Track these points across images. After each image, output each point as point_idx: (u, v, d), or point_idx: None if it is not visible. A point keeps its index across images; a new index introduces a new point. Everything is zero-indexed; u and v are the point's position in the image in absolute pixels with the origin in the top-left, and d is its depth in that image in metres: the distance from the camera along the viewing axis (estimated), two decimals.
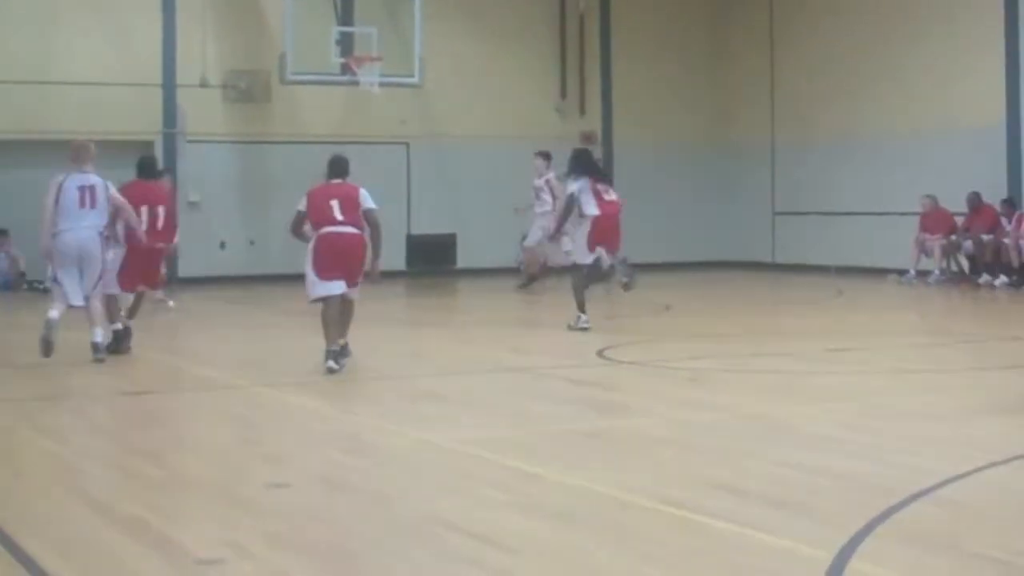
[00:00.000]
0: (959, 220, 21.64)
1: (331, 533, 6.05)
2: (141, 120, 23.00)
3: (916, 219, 22.07)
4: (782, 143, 26.02)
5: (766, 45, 26.33)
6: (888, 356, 12.61)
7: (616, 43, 26.74)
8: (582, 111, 26.47)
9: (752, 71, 26.63)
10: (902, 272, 21.86)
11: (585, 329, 14.73)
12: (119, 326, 13.26)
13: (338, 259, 11.54)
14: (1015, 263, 20.47)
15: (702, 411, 9.40)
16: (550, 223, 18.57)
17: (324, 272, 11.53)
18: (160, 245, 13.70)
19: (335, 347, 11.52)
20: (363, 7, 24.11)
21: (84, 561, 5.61)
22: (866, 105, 23.98)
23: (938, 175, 22.05)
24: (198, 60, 23.19)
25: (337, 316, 11.55)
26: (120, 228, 13.18)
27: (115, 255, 13.19)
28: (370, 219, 11.79)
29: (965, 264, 21.86)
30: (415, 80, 23.44)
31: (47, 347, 12.35)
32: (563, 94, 26.37)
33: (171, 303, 18.18)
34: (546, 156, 20.89)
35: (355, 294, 11.86)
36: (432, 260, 24.96)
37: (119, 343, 13.17)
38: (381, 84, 22.99)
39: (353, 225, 11.61)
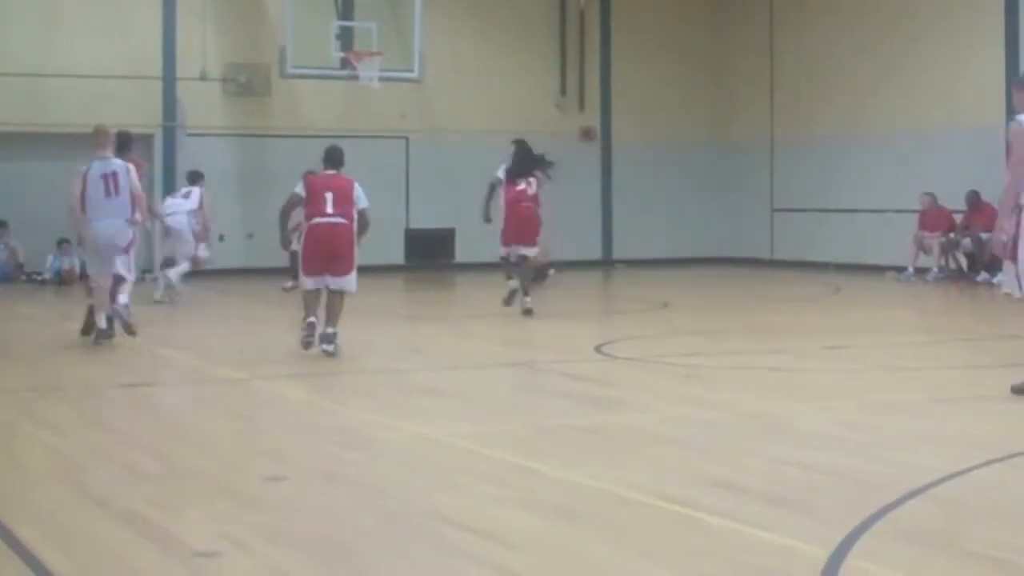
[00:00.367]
0: (958, 218, 21.65)
1: (328, 527, 6.05)
2: (141, 113, 22.98)
3: (915, 217, 22.08)
4: (781, 140, 26.02)
5: (766, 43, 26.32)
6: (886, 353, 12.62)
7: (616, 40, 26.74)
8: (581, 107, 26.47)
9: (752, 68, 26.63)
10: (900, 269, 21.87)
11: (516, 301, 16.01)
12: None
13: (323, 251, 12.22)
14: None
15: (700, 408, 9.40)
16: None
17: (308, 267, 12.33)
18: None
19: (328, 331, 12.10)
20: (363, 2, 24.11)
21: (81, 553, 5.61)
22: (865, 103, 23.98)
23: (937, 173, 22.05)
24: (198, 53, 23.20)
25: (315, 301, 12.26)
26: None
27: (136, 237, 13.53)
28: (362, 219, 12.42)
29: (963, 262, 21.88)
30: (415, 75, 23.46)
31: (128, 329, 13.08)
32: (563, 90, 26.37)
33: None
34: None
35: (346, 285, 12.33)
36: (430, 254, 24.96)
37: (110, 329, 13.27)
38: (381, 79, 23.00)
39: (342, 216, 12.23)
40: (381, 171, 23.30)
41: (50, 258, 22.15)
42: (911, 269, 21.74)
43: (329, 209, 12.21)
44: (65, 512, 6.33)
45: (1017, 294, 9.31)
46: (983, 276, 20.72)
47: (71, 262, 22.19)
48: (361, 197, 12.44)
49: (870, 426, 8.69)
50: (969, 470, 7.04)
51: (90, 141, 13.42)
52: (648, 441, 8.21)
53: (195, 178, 19.48)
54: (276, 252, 15.30)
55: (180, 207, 18.86)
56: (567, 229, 25.76)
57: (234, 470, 7.35)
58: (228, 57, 23.67)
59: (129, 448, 8.09)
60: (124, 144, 14.21)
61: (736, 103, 27.21)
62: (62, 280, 21.81)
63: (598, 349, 12.64)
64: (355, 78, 23.00)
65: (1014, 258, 9.26)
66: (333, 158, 12.66)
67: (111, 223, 13.00)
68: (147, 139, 23.14)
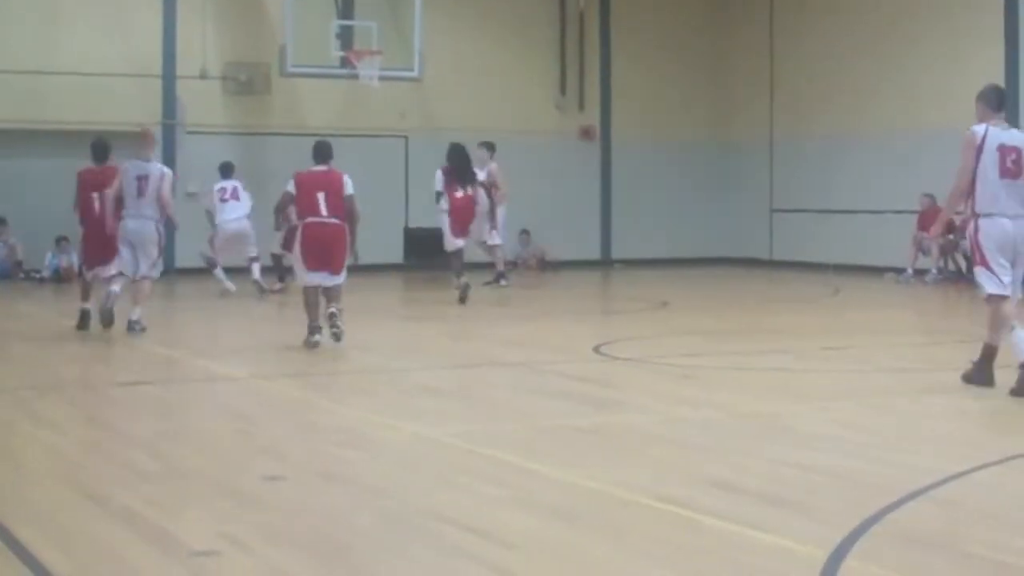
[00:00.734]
0: (957, 219, 21.63)
1: (327, 526, 6.05)
2: (141, 111, 22.96)
3: (914, 218, 22.07)
4: (781, 140, 26.03)
5: (765, 43, 26.33)
6: (885, 355, 12.62)
7: (616, 39, 26.75)
8: (581, 107, 26.47)
9: (751, 68, 26.64)
10: (899, 271, 21.87)
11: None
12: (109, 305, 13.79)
13: (322, 250, 12.67)
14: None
15: (699, 408, 9.41)
16: (498, 216, 19.92)
17: (310, 264, 12.73)
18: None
19: (331, 309, 12.57)
20: (363, 1, 24.11)
21: (80, 552, 5.61)
22: (865, 103, 23.99)
23: (936, 174, 21.98)
24: (198, 52, 23.20)
25: (317, 300, 12.72)
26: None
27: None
28: (348, 206, 12.82)
29: (963, 263, 21.86)
30: (414, 74, 23.46)
31: (105, 317, 13.50)
32: (562, 90, 26.38)
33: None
34: (490, 147, 20.81)
35: (340, 279, 12.83)
36: (430, 254, 24.87)
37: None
38: (381, 78, 23.00)
39: (336, 216, 12.71)
40: (381, 170, 23.32)
41: (48, 256, 22.15)
42: (910, 270, 21.74)
43: (323, 210, 12.66)
44: (64, 511, 6.33)
45: (988, 291, 9.79)
46: None
47: (69, 260, 22.16)
48: (348, 185, 12.83)
49: (869, 427, 8.69)
50: (968, 472, 7.04)
51: (135, 142, 14.65)
52: (647, 441, 8.22)
53: (230, 170, 19.65)
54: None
55: (241, 210, 19.25)
56: (566, 229, 25.83)
57: (233, 469, 7.35)
58: (228, 56, 23.67)
59: (128, 447, 8.09)
60: (101, 153, 14.62)
61: (736, 103, 27.21)
62: (61, 278, 21.80)
63: (597, 349, 12.64)
64: (355, 77, 23.00)
65: (984, 264, 9.79)
66: (322, 153, 13.04)
67: (138, 222, 13.81)
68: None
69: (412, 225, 24.82)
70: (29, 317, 17.28)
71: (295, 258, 13.05)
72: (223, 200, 19.43)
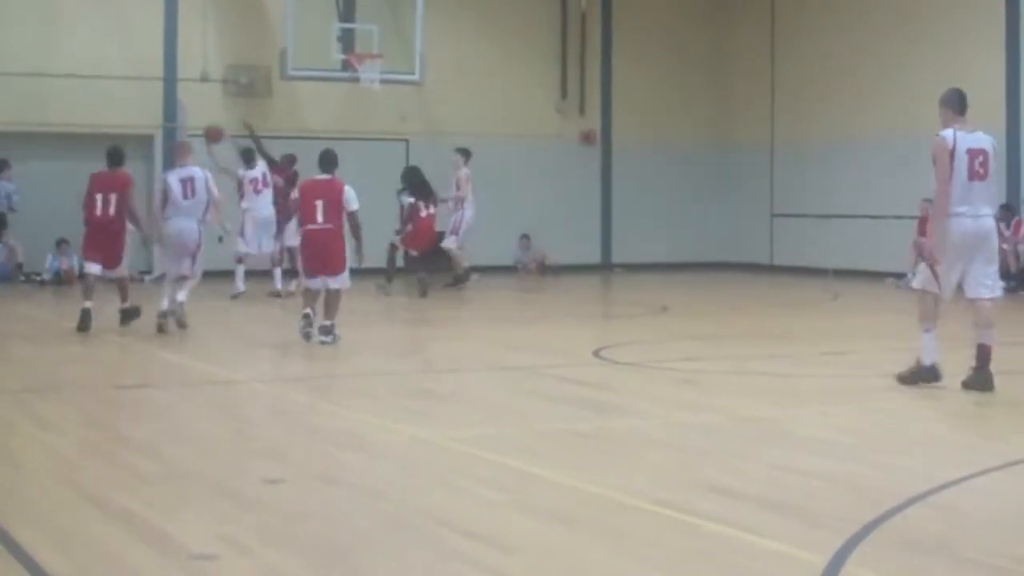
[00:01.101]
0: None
1: (326, 529, 6.05)
2: (142, 113, 23.01)
3: (914, 223, 22.03)
4: (781, 145, 26.02)
5: (766, 47, 26.33)
6: (884, 360, 12.61)
7: (617, 43, 26.76)
8: (582, 110, 26.48)
9: (752, 73, 26.65)
10: (900, 275, 21.85)
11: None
12: (127, 305, 14.79)
13: (319, 256, 13.34)
14: (1012, 268, 20.48)
15: (698, 413, 9.40)
16: (457, 221, 20.73)
17: (308, 269, 13.48)
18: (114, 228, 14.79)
19: (325, 323, 13.07)
20: (364, 4, 24.13)
21: (79, 554, 5.61)
22: (865, 108, 23.99)
23: None
24: (199, 54, 23.19)
25: (314, 297, 13.33)
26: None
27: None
28: (352, 221, 13.47)
29: None
30: (415, 77, 23.48)
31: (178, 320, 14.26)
32: (563, 93, 26.38)
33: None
34: (464, 153, 20.86)
35: (340, 283, 13.37)
36: (430, 257, 24.91)
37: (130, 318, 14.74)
38: (382, 81, 23.00)
39: (331, 222, 13.33)
40: (381, 174, 23.27)
41: (49, 258, 22.14)
42: (910, 275, 21.70)
43: (320, 218, 13.31)
44: (63, 513, 6.33)
45: (919, 286, 10.39)
46: None
47: (70, 262, 22.18)
48: (352, 200, 13.42)
49: (868, 432, 8.69)
50: (968, 477, 7.04)
51: (174, 151, 15.87)
52: (646, 446, 8.21)
53: (252, 158, 19.64)
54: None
55: (266, 199, 19.37)
56: (566, 233, 25.83)
57: (232, 472, 7.34)
58: (229, 58, 23.68)
59: (128, 449, 8.09)
60: (115, 158, 15.09)
61: (736, 108, 27.22)
62: (61, 280, 21.80)
63: (597, 353, 12.63)
64: (356, 80, 23.01)
65: (933, 262, 10.22)
66: (327, 162, 13.63)
67: (184, 222, 14.49)
68: (148, 140, 23.17)
69: None
70: (29, 319, 17.27)
71: (298, 262, 13.83)
72: (256, 191, 19.39)
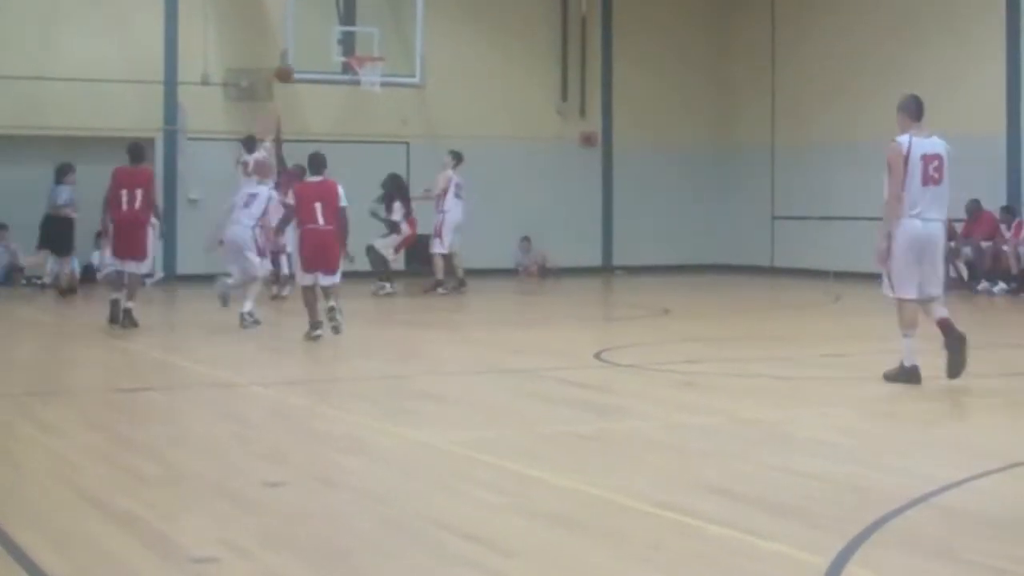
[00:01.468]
0: (958, 227, 21.64)
1: (327, 532, 6.04)
2: (142, 117, 23.01)
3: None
4: (782, 147, 26.02)
5: (767, 49, 26.33)
6: (885, 361, 12.59)
7: (617, 46, 26.75)
8: (582, 113, 26.48)
9: (753, 75, 26.64)
10: None
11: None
12: (131, 305, 14.97)
13: (316, 254, 13.86)
14: (1014, 270, 20.49)
15: (700, 415, 9.39)
16: (438, 224, 20.66)
17: (306, 267, 13.95)
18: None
19: (330, 303, 13.67)
20: (365, 7, 24.13)
21: (79, 556, 5.60)
22: (866, 110, 23.95)
23: None
24: (199, 57, 23.19)
25: (315, 300, 13.85)
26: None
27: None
28: (341, 215, 13.97)
29: (964, 271, 21.86)
30: (416, 80, 23.47)
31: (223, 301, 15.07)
32: (564, 96, 26.38)
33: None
34: (455, 156, 20.84)
35: (333, 280, 13.86)
36: (431, 260, 24.92)
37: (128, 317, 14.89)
38: (382, 84, 23.00)
39: (330, 223, 13.88)
40: (382, 176, 23.26)
41: (50, 262, 22.12)
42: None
43: (320, 219, 13.85)
44: (64, 515, 6.33)
45: (890, 295, 10.60)
46: (983, 285, 20.73)
47: (70, 265, 22.17)
48: (341, 196, 14.00)
49: (870, 434, 8.69)
50: (969, 479, 7.03)
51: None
52: (647, 448, 8.21)
53: (252, 143, 19.69)
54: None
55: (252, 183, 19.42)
56: (567, 235, 25.82)
57: (233, 475, 7.34)
58: (229, 61, 23.68)
59: (128, 452, 8.08)
60: (137, 155, 15.46)
61: (737, 110, 27.21)
62: (61, 283, 21.77)
63: (598, 356, 12.63)
64: (357, 83, 23.01)
65: (880, 262, 10.52)
66: (317, 164, 14.22)
67: (239, 228, 15.41)
68: (148, 143, 23.14)
69: None
70: (30, 323, 17.27)
71: (295, 262, 14.31)
72: (247, 174, 19.40)
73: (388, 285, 20.01)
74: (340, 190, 14.02)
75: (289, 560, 5.53)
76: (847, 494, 6.72)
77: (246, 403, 10.36)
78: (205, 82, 23.28)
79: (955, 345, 10.36)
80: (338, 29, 23.33)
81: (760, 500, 6.54)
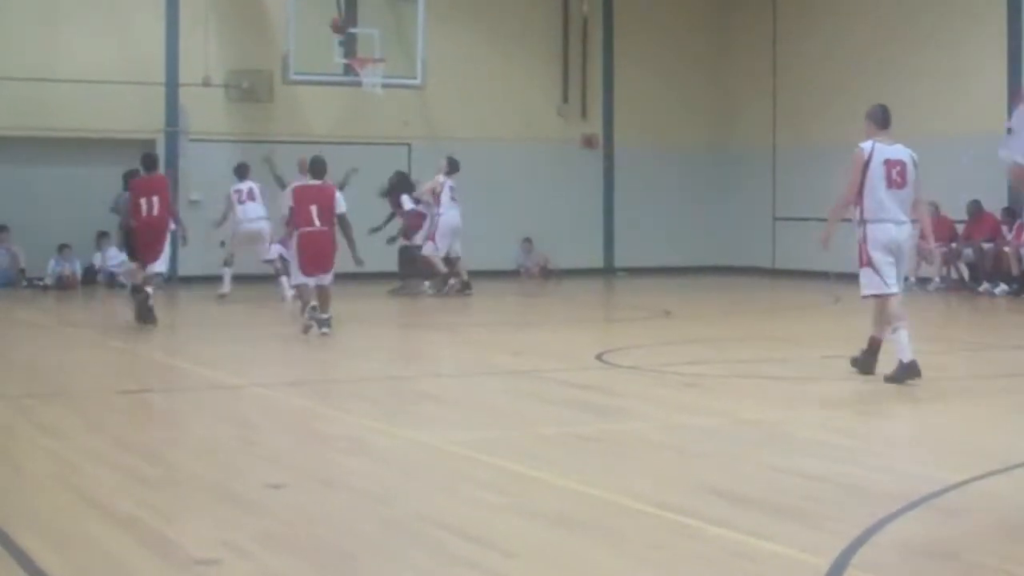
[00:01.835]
0: (960, 228, 21.65)
1: (328, 534, 6.04)
2: (143, 118, 23.02)
3: (917, 227, 22.02)
4: (783, 148, 26.01)
5: (768, 51, 26.33)
6: (886, 363, 12.60)
7: (618, 47, 26.76)
8: (584, 114, 26.48)
9: (754, 77, 26.64)
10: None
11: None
12: (151, 303, 15.32)
13: (315, 256, 14.29)
14: (1015, 271, 20.48)
15: (700, 416, 9.39)
16: (432, 228, 20.61)
17: (304, 269, 14.37)
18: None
19: (323, 316, 14.06)
20: (366, 8, 24.13)
21: (80, 558, 5.60)
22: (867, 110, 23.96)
23: (939, 182, 21.98)
24: (201, 59, 23.21)
25: (311, 295, 14.28)
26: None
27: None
28: (343, 222, 14.50)
29: (965, 272, 21.85)
30: (417, 82, 23.47)
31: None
32: (565, 97, 26.39)
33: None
34: (449, 162, 20.80)
35: (329, 280, 14.35)
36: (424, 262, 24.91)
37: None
38: (384, 86, 23.00)
39: (326, 225, 14.36)
40: (383, 178, 23.28)
41: (51, 263, 22.15)
42: (913, 279, 21.70)
43: (316, 221, 14.29)
44: (65, 517, 6.33)
45: (866, 292, 11.07)
46: (984, 286, 20.72)
47: (72, 267, 22.20)
48: (340, 203, 14.50)
49: (870, 435, 8.69)
50: (970, 480, 7.02)
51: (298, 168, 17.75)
52: (648, 449, 8.21)
53: (245, 171, 19.76)
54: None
55: (259, 211, 19.63)
56: (569, 237, 25.83)
57: (234, 477, 7.34)
58: (231, 63, 23.69)
59: (129, 454, 8.08)
60: (150, 163, 16.15)
61: (738, 112, 27.21)
62: (63, 285, 21.81)
63: (599, 357, 12.63)
64: (358, 85, 23.01)
65: (869, 265, 10.96)
66: (318, 169, 14.70)
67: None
68: (149, 145, 23.16)
69: None
70: (31, 324, 17.28)
71: (291, 263, 14.82)
72: (240, 202, 19.53)
73: (428, 285, 20.35)
74: (339, 196, 14.54)
75: (290, 561, 5.53)
76: (848, 495, 6.71)
77: (247, 405, 10.36)
78: (206, 84, 23.29)
79: (865, 364, 10.87)
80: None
81: (761, 501, 6.54)
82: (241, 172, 19.89)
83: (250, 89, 23.64)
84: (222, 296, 19.13)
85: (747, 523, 6.05)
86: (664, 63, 26.96)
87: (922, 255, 21.73)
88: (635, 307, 19.58)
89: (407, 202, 20.73)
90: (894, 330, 10.58)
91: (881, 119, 11.21)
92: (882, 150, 10.95)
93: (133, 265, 16.27)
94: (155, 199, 15.46)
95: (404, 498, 6.79)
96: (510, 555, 5.60)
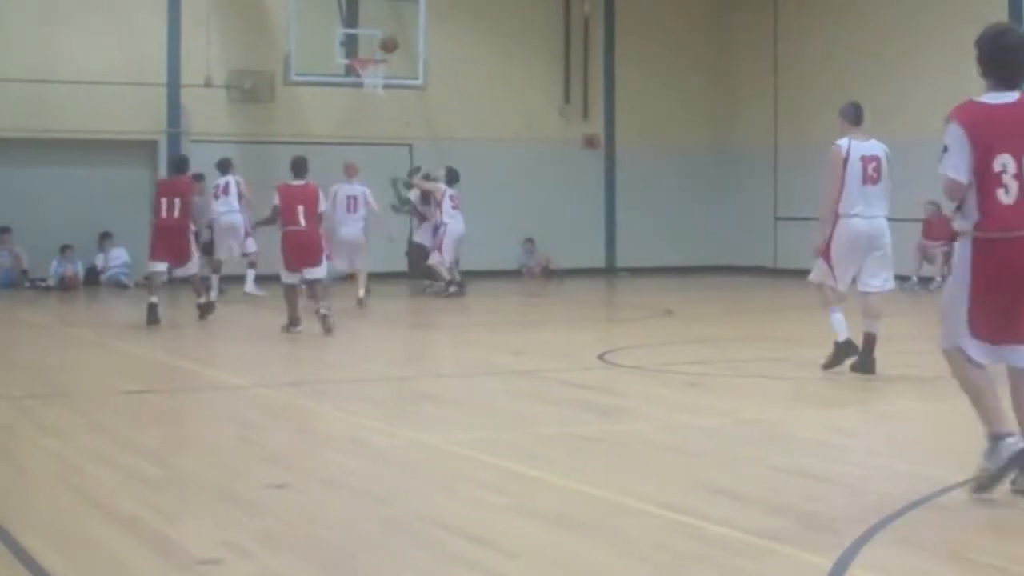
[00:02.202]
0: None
1: (329, 534, 6.05)
2: (145, 119, 23.03)
3: (918, 225, 22.05)
4: (784, 148, 26.01)
5: (769, 51, 26.33)
6: (889, 363, 12.59)
7: (620, 48, 26.76)
8: (585, 115, 26.48)
9: (755, 76, 26.64)
10: (904, 279, 21.84)
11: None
12: (203, 300, 16.40)
13: (299, 254, 14.63)
14: None
15: (702, 416, 9.39)
16: (439, 238, 20.53)
17: (289, 265, 14.73)
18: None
19: (322, 312, 14.34)
20: (368, 9, 24.13)
21: (82, 559, 5.61)
22: (870, 110, 23.95)
23: (940, 182, 21.97)
24: (202, 60, 23.21)
25: (296, 298, 14.69)
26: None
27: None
28: (324, 219, 15.28)
29: None
30: (419, 82, 23.46)
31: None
32: (566, 98, 26.39)
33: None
34: (450, 172, 20.74)
35: (319, 273, 14.75)
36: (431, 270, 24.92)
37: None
38: (385, 86, 23.00)
39: (310, 225, 14.78)
40: (385, 178, 23.33)
41: (53, 264, 22.16)
42: (914, 278, 21.72)
43: (301, 220, 14.66)
44: (67, 518, 6.33)
45: (811, 278, 11.64)
46: None
47: (74, 268, 22.20)
48: (321, 200, 15.09)
49: (873, 435, 8.69)
50: (971, 480, 7.01)
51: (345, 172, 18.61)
52: (650, 449, 8.21)
53: (227, 166, 19.80)
54: (277, 259, 15.37)
55: (230, 205, 19.74)
56: (570, 237, 25.83)
57: (236, 477, 7.34)
58: (232, 64, 23.70)
59: (131, 454, 8.08)
60: (180, 166, 16.81)
61: (740, 111, 27.21)
62: (65, 286, 21.81)
63: (601, 357, 12.63)
64: (360, 85, 23.01)
65: (826, 259, 11.30)
66: (299, 169, 15.04)
67: (351, 230, 18.10)
68: (151, 145, 23.20)
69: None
70: (33, 325, 17.29)
71: (280, 261, 15.03)
72: (215, 196, 19.63)
73: (444, 285, 20.29)
74: (320, 194, 15.09)
75: (291, 561, 5.54)
76: (849, 495, 6.72)
77: (248, 405, 10.36)
78: (208, 84, 23.29)
79: (865, 364, 11.16)
80: (341, 31, 23.34)
81: (762, 501, 6.54)
82: (223, 167, 19.96)
83: (252, 90, 23.65)
84: (254, 296, 19.42)
85: (749, 522, 6.05)
86: (665, 63, 26.96)
87: (924, 254, 21.78)
88: (637, 307, 19.58)
89: (413, 194, 21.11)
90: (832, 311, 11.13)
91: (854, 116, 11.30)
92: (858, 147, 11.07)
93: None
94: (176, 201, 15.85)
95: (405, 498, 6.79)
96: (511, 555, 5.61)
